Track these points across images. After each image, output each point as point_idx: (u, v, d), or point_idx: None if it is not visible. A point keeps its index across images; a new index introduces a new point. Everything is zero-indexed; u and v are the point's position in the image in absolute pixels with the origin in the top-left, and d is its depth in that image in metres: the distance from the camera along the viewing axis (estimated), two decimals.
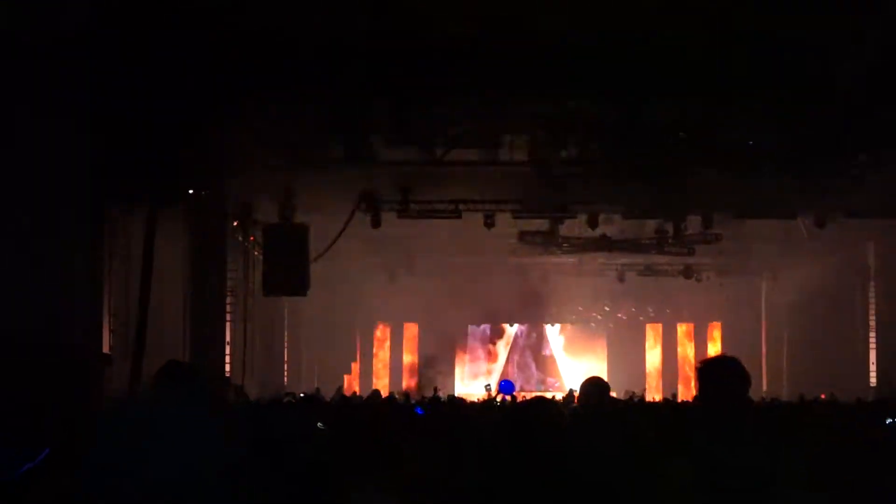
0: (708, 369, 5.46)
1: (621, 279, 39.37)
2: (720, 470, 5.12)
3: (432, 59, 16.09)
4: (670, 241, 30.33)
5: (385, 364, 44.07)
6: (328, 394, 29.50)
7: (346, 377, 40.22)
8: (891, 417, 12.61)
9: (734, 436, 5.27)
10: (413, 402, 20.53)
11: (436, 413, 14.12)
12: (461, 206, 25.90)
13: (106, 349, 18.36)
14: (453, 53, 15.82)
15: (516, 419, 6.40)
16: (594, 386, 8.12)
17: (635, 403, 20.63)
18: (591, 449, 6.73)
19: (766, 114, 19.27)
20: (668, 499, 5.26)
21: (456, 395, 32.98)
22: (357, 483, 5.99)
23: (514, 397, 19.07)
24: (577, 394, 10.46)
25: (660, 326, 45.17)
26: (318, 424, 9.74)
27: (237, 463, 2.67)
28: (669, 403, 19.86)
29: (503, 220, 26.79)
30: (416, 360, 43.45)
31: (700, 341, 43.91)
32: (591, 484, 6.07)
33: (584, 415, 7.97)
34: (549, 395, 32.41)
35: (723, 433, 5.29)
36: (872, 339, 33.15)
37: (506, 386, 23.11)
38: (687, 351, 44.21)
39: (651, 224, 29.81)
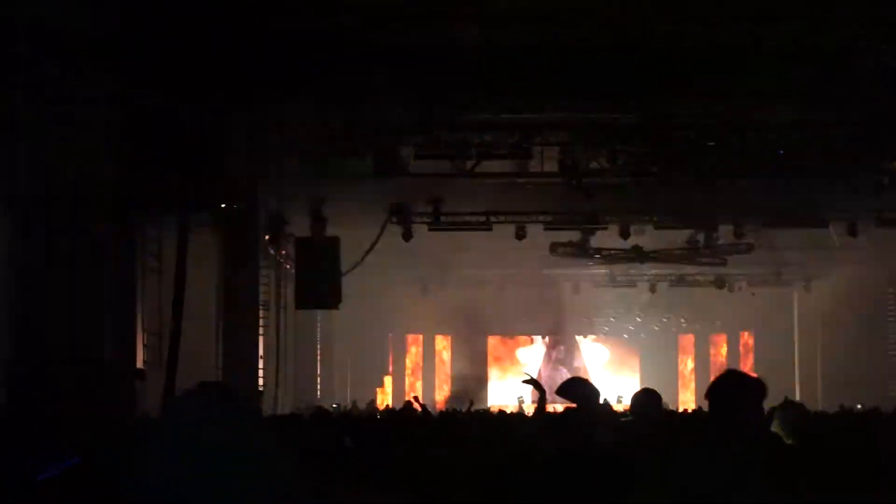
0: (719, 390, 5.37)
1: (653, 290, 39.27)
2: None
3: (460, 67, 16.11)
4: (702, 251, 30.24)
5: (417, 377, 44.02)
6: (362, 407, 29.53)
7: (378, 390, 40.22)
8: None
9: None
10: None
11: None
12: (492, 218, 25.93)
13: (139, 364, 18.41)
14: (481, 62, 15.83)
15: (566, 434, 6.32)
16: (649, 396, 8.32)
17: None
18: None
19: (796, 121, 19.19)
20: None
21: (489, 406, 32.97)
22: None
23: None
24: (626, 406, 10.55)
25: (692, 337, 44.98)
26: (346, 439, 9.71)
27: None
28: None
29: (534, 231, 26.77)
30: (448, 373, 43.43)
31: (733, 351, 43.66)
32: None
33: (641, 424, 8.07)
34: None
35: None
36: None
37: None
38: (720, 361, 43.98)
39: (683, 234, 29.75)
